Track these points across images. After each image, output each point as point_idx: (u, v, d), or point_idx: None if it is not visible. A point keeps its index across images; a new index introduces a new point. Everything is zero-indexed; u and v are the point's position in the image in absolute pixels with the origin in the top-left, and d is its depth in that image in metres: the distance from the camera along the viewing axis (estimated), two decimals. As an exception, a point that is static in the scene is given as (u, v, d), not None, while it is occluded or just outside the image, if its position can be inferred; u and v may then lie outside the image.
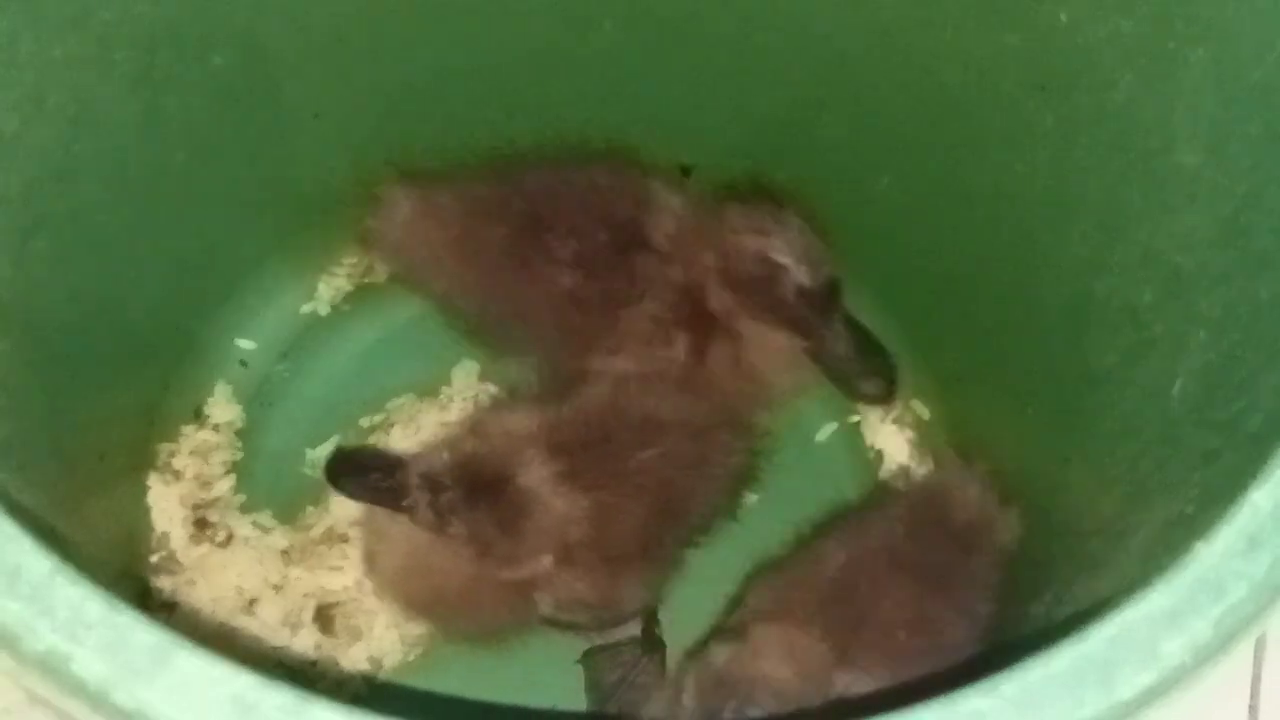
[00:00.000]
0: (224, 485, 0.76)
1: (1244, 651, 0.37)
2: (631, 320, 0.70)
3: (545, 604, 0.67)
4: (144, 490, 0.75)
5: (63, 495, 0.61)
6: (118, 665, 0.34)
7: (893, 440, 0.78)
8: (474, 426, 0.67)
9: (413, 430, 0.76)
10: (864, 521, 0.69)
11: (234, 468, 0.76)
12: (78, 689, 0.34)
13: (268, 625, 0.73)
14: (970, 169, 0.67)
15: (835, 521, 0.72)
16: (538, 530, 0.63)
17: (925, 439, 0.78)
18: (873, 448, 0.78)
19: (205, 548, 0.74)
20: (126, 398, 0.73)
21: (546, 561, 0.64)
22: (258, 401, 0.78)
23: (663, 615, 0.73)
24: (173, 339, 0.76)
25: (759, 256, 0.68)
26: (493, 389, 0.77)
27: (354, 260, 0.80)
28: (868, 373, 0.73)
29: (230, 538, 0.74)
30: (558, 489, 0.63)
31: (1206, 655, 0.36)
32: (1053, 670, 0.35)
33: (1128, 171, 0.57)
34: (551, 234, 0.70)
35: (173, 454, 0.76)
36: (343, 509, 0.74)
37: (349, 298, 0.80)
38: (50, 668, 0.34)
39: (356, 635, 0.73)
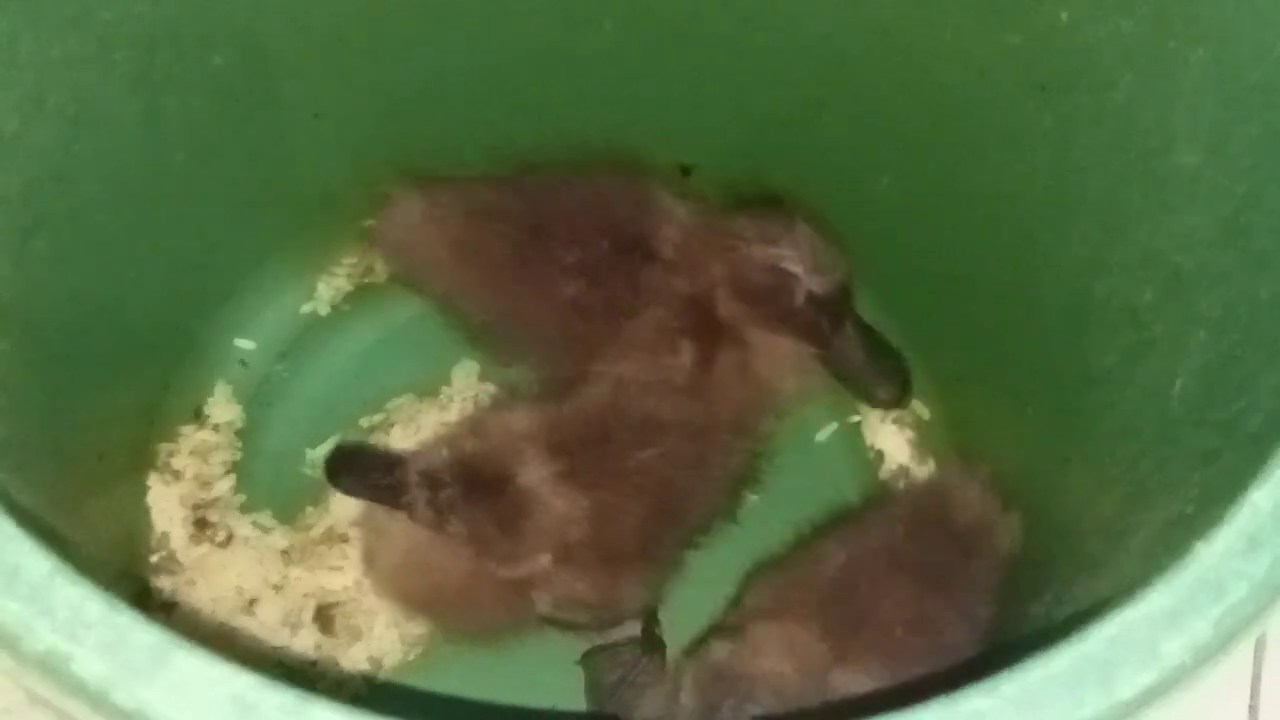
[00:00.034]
0: (224, 485, 0.76)
1: (1244, 652, 0.37)
2: (636, 329, 0.70)
3: (543, 603, 0.67)
4: (144, 490, 0.75)
5: (62, 495, 0.61)
6: (117, 665, 0.34)
7: (893, 440, 0.78)
8: (474, 425, 0.67)
9: (413, 430, 0.76)
10: (864, 521, 0.69)
11: (234, 468, 0.76)
12: (77, 689, 0.34)
13: (267, 625, 0.73)
14: (970, 169, 0.67)
15: (835, 521, 0.72)
16: (536, 529, 0.63)
17: (925, 439, 0.78)
18: (873, 448, 0.78)
19: (205, 548, 0.74)
20: (126, 398, 0.73)
21: (545, 560, 0.64)
22: (257, 401, 0.78)
23: (663, 615, 0.73)
24: (173, 339, 0.76)
25: (769, 266, 0.68)
26: (493, 389, 0.77)
27: (354, 260, 0.80)
28: (880, 378, 0.73)
29: (230, 538, 0.74)
30: (557, 488, 0.63)
31: (1206, 655, 0.36)
32: (1053, 670, 0.35)
33: (1128, 171, 0.57)
34: (556, 241, 0.70)
35: (172, 454, 0.76)
36: (343, 509, 0.74)
37: (349, 298, 0.80)
38: (50, 668, 0.34)
39: (356, 635, 0.73)
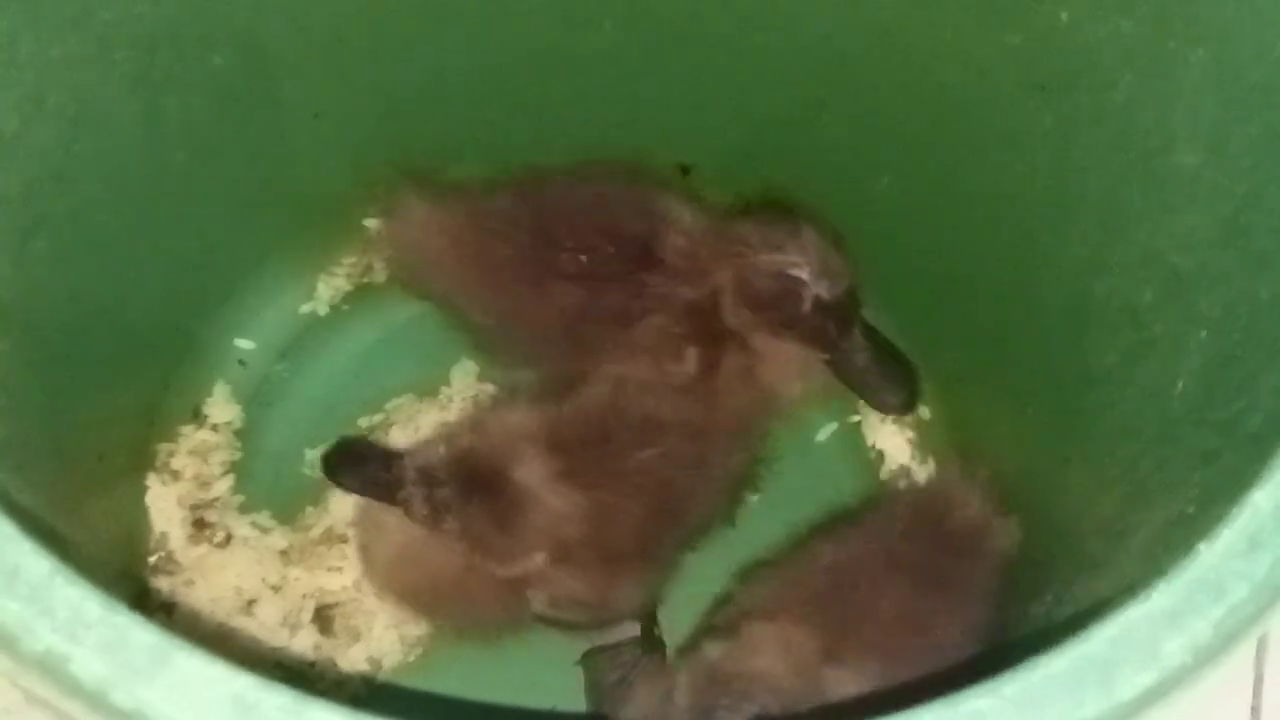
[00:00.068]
0: (223, 485, 0.75)
1: (1246, 652, 0.37)
2: (642, 334, 0.70)
3: (539, 601, 0.67)
4: (143, 490, 0.75)
5: (62, 495, 0.61)
6: (117, 665, 0.34)
7: (893, 440, 0.78)
8: (473, 423, 0.67)
9: (412, 430, 0.76)
10: (861, 522, 0.69)
11: (233, 468, 0.76)
12: (76, 689, 0.34)
13: (266, 626, 0.73)
14: (970, 169, 0.67)
15: (830, 521, 0.72)
16: (532, 527, 0.63)
17: (925, 439, 0.78)
18: (873, 448, 0.78)
19: (204, 548, 0.74)
20: (126, 398, 0.73)
21: (541, 559, 0.64)
22: (257, 401, 0.78)
23: (662, 616, 0.73)
24: (172, 339, 0.76)
25: (776, 273, 0.68)
26: (492, 389, 0.77)
27: (353, 260, 0.80)
28: (889, 383, 0.73)
29: (229, 538, 0.74)
30: (555, 486, 0.63)
31: (1207, 656, 0.36)
32: (1053, 670, 0.35)
33: (1128, 171, 0.57)
34: (561, 247, 0.70)
35: (171, 454, 0.76)
36: (342, 509, 0.74)
37: (348, 298, 0.80)
38: (49, 668, 0.34)
39: (355, 636, 0.73)
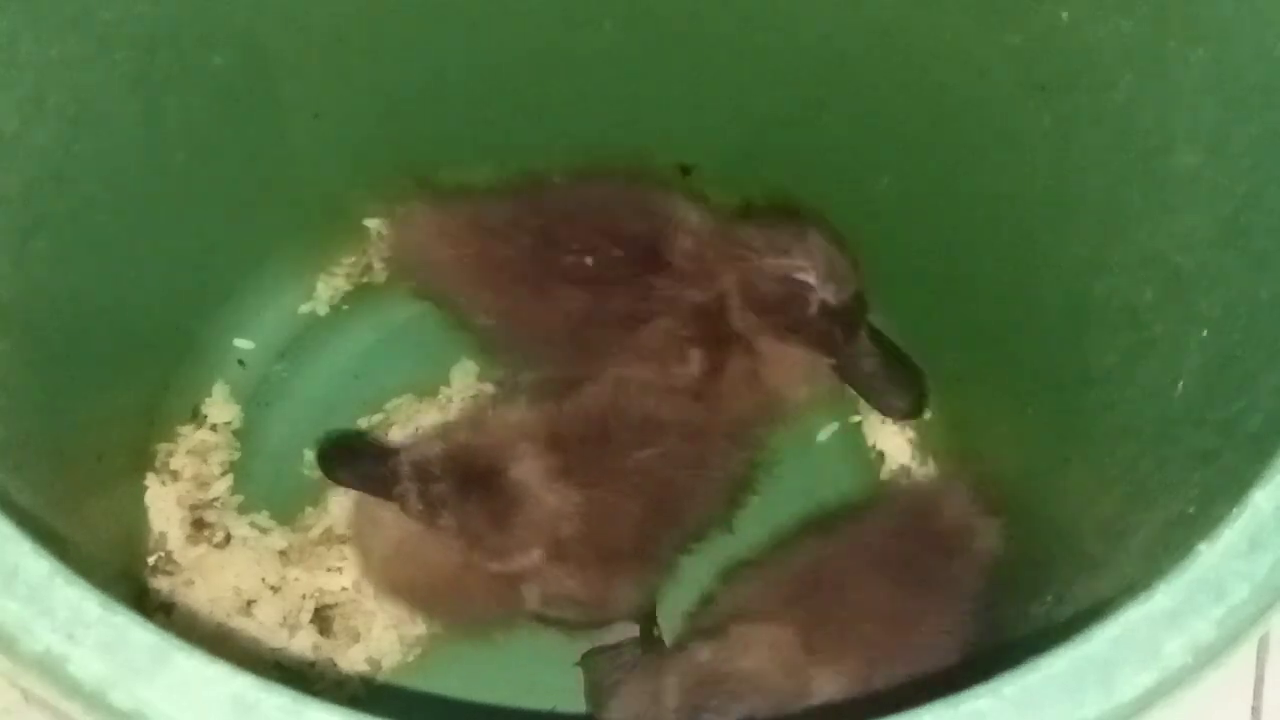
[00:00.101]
0: (222, 485, 0.75)
1: (1247, 652, 0.37)
2: (647, 337, 0.70)
3: (533, 598, 0.67)
4: (142, 490, 0.75)
5: (61, 496, 0.61)
6: (116, 665, 0.34)
7: (893, 440, 0.78)
8: (471, 420, 0.67)
9: (411, 431, 0.76)
10: (848, 522, 0.69)
11: (232, 468, 0.76)
12: (75, 689, 0.34)
13: (266, 626, 0.72)
14: (970, 169, 0.67)
15: (818, 522, 0.71)
16: (528, 524, 0.63)
17: (926, 439, 0.78)
18: (873, 448, 0.78)
19: (203, 548, 0.74)
20: (125, 398, 0.73)
21: (536, 555, 0.64)
22: (256, 401, 0.78)
23: (661, 616, 0.72)
24: (172, 339, 0.76)
25: (781, 276, 0.68)
26: (492, 389, 0.77)
27: (353, 260, 0.80)
28: (895, 387, 0.73)
29: (228, 538, 0.74)
30: (551, 484, 0.63)
31: (1208, 656, 0.36)
32: (1053, 670, 0.35)
33: (1128, 171, 0.57)
34: (567, 250, 0.70)
35: (171, 454, 0.76)
36: (341, 510, 0.74)
37: (347, 298, 0.80)
38: (48, 668, 0.34)
39: (355, 636, 0.73)
